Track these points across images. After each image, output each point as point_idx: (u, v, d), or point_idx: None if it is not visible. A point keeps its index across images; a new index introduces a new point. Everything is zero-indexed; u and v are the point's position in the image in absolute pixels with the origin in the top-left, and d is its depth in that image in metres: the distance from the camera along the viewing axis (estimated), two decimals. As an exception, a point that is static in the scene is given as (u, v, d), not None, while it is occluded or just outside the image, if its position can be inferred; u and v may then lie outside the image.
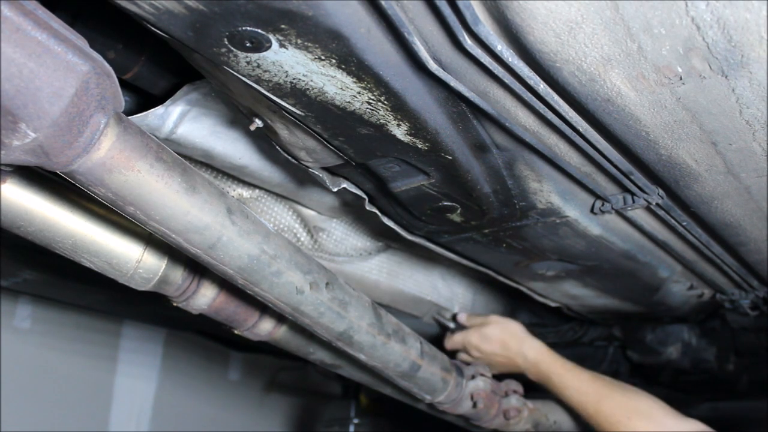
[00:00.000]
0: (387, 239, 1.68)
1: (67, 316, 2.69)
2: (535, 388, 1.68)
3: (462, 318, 1.87)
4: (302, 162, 1.08)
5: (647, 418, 1.44)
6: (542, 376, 1.63)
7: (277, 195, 1.49)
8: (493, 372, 1.70)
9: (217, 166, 1.26)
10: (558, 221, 1.27)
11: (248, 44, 0.72)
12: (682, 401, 2.40)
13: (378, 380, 1.48)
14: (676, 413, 1.47)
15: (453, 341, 1.79)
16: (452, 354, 1.76)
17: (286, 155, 1.07)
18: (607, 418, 1.47)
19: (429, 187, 1.11)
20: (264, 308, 1.14)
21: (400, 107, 0.86)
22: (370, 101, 0.84)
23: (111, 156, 0.67)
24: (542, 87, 0.85)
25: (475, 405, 1.54)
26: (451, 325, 1.91)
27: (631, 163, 1.06)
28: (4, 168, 0.75)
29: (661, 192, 1.15)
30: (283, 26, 0.70)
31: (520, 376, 1.70)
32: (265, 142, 1.10)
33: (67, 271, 1.70)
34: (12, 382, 2.47)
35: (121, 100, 0.68)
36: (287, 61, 0.76)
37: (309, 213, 1.56)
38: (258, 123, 0.97)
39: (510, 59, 0.79)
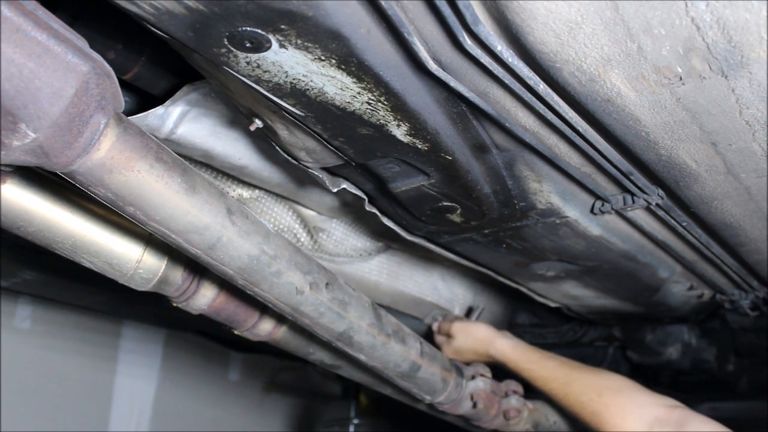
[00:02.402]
0: (387, 240, 1.68)
1: (67, 316, 2.69)
2: (534, 389, 1.68)
3: (434, 327, 1.86)
4: (302, 162, 1.08)
5: (618, 393, 1.42)
6: (514, 371, 1.64)
7: (277, 195, 1.49)
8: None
9: (217, 166, 1.26)
10: (558, 222, 1.27)
11: (248, 44, 0.72)
12: (682, 401, 2.40)
13: (378, 380, 1.48)
14: (646, 389, 1.45)
15: None
16: None
17: (286, 156, 1.07)
18: (578, 397, 1.45)
19: (429, 187, 1.11)
20: (264, 308, 1.14)
21: (400, 107, 0.86)
22: (370, 101, 0.84)
23: (111, 156, 0.67)
24: (542, 87, 0.85)
25: (475, 405, 1.54)
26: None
27: (631, 163, 1.06)
28: (4, 168, 0.75)
29: (661, 192, 1.15)
30: (283, 26, 0.70)
31: (519, 377, 1.70)
32: (265, 142, 1.10)
33: (67, 271, 1.70)
34: (12, 382, 2.47)
35: (121, 100, 0.68)
36: (287, 61, 0.76)
37: (309, 213, 1.56)
38: (258, 123, 0.97)
39: (510, 59, 0.79)
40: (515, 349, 1.64)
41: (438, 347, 1.76)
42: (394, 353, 1.22)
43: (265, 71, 0.78)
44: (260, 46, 0.73)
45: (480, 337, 1.68)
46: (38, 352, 2.64)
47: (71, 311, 2.68)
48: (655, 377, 2.34)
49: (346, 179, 1.17)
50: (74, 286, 2.00)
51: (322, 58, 0.75)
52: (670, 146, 0.98)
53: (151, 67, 1.07)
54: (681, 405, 1.42)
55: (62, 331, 2.72)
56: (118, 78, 0.68)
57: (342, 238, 1.64)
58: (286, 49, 0.73)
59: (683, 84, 0.83)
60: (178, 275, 0.98)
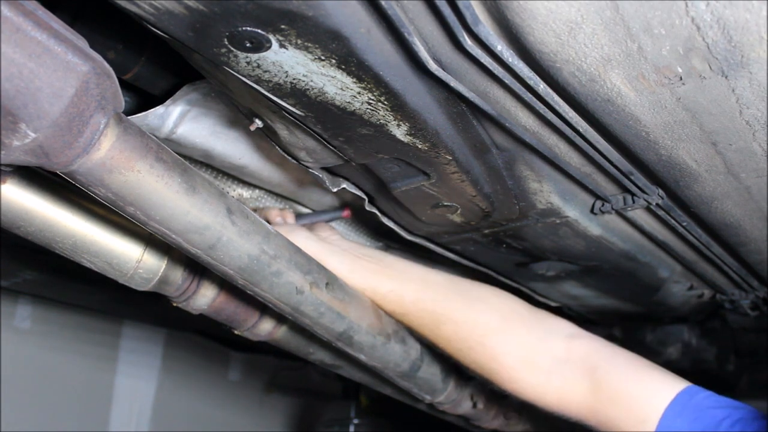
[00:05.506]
0: (387, 239, 1.68)
1: (67, 316, 2.69)
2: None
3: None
4: (302, 162, 1.08)
5: (503, 333, 1.15)
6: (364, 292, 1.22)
7: (277, 195, 1.49)
8: None
9: (217, 166, 1.26)
10: (558, 221, 1.27)
11: (248, 44, 0.72)
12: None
13: (378, 380, 1.48)
14: (532, 310, 1.20)
15: None
16: None
17: (286, 155, 1.07)
18: (454, 343, 1.17)
19: (429, 187, 1.11)
20: (264, 308, 1.14)
21: (400, 107, 0.86)
22: (370, 101, 0.84)
23: (111, 156, 0.67)
24: (542, 87, 0.85)
25: (475, 405, 1.54)
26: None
27: (631, 163, 1.06)
28: (4, 168, 0.75)
29: (661, 192, 1.14)
30: (283, 26, 0.69)
31: None
32: (265, 142, 1.10)
33: (67, 271, 1.70)
34: (12, 382, 2.47)
35: (121, 100, 0.68)
36: (287, 61, 0.76)
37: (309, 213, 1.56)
38: (258, 123, 0.97)
39: (510, 59, 0.79)
40: (354, 273, 1.21)
41: None
42: (394, 353, 1.22)
43: (265, 71, 0.78)
44: (260, 46, 0.73)
45: (310, 250, 1.15)
46: (38, 352, 2.64)
47: (71, 311, 2.68)
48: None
49: (346, 179, 1.17)
50: (74, 286, 2.00)
51: (322, 58, 0.75)
52: (670, 146, 0.98)
53: (151, 67, 1.07)
54: (577, 331, 1.18)
55: (62, 331, 2.72)
56: (118, 78, 0.68)
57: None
58: (286, 49, 0.73)
59: (683, 84, 0.83)
60: (178, 275, 0.98)
